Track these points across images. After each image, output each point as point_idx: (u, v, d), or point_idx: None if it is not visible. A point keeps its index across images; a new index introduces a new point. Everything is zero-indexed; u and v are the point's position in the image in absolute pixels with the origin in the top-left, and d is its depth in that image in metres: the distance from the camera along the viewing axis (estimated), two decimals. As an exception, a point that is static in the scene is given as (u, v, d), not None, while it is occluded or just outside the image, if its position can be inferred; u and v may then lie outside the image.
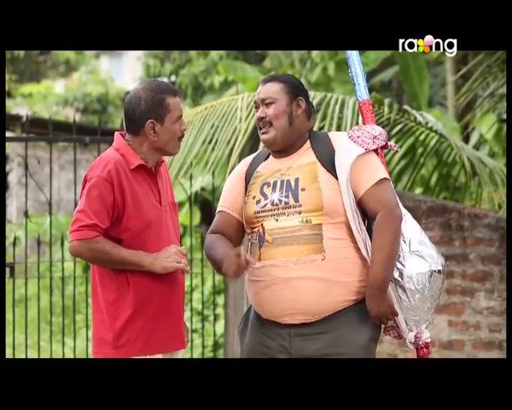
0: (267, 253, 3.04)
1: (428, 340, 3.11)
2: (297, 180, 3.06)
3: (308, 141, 3.15)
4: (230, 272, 2.96)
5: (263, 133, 3.13)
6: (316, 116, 5.45)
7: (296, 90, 3.14)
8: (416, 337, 3.08)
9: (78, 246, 2.93)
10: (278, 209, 3.04)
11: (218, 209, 3.24)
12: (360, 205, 3.06)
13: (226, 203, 3.21)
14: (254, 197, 3.11)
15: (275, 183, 3.09)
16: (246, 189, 3.18)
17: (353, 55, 3.24)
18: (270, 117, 3.11)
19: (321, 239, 3.00)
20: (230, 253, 2.98)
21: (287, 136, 3.11)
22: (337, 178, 3.04)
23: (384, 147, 3.18)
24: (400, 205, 3.12)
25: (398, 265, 3.04)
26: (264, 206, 3.07)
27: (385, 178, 3.08)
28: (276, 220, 3.04)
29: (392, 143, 3.24)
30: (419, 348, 3.11)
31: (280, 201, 3.04)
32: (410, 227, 3.11)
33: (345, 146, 3.08)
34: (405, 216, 3.12)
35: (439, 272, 3.06)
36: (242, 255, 2.93)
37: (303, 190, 3.04)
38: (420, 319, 3.08)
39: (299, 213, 3.02)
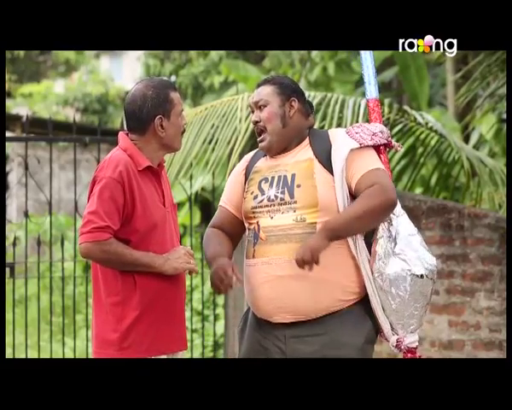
0: (260, 250, 3.05)
1: (414, 345, 3.05)
2: (293, 176, 3.06)
3: (307, 138, 3.15)
4: (217, 289, 3.03)
5: (260, 141, 3.16)
6: (316, 116, 5.48)
7: (288, 90, 3.14)
8: (397, 341, 3.03)
9: (90, 248, 2.93)
10: (274, 205, 3.05)
11: (219, 203, 3.28)
12: (355, 197, 3.05)
13: (226, 199, 3.25)
14: (252, 192, 3.13)
15: (272, 178, 3.11)
16: (245, 184, 3.20)
17: (367, 54, 3.24)
18: (263, 121, 3.12)
19: None
20: (218, 266, 3.02)
21: (281, 138, 3.12)
22: (333, 174, 3.04)
23: (388, 146, 3.17)
24: (401, 208, 3.09)
25: (381, 267, 2.99)
26: (261, 201, 3.09)
27: (381, 168, 3.07)
28: (271, 218, 3.05)
29: (396, 142, 3.21)
30: (403, 352, 3.06)
31: (276, 196, 3.05)
32: (402, 227, 3.05)
33: (341, 141, 3.08)
34: (401, 217, 3.07)
35: (422, 276, 2.98)
36: (229, 273, 2.99)
37: (298, 186, 3.04)
38: (404, 324, 3.02)
39: (294, 211, 3.02)
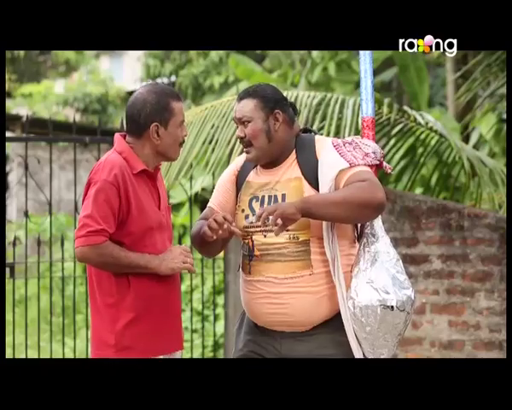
0: (256, 268, 3.05)
1: None
2: (284, 197, 3.03)
3: (294, 151, 3.09)
4: (208, 228, 2.96)
5: (246, 153, 3.11)
6: (316, 116, 5.49)
7: (271, 103, 3.07)
8: None
9: (86, 252, 2.92)
10: (266, 226, 2.98)
11: (208, 204, 3.24)
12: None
13: (215, 201, 3.22)
14: (243, 211, 3.11)
15: (263, 197, 3.08)
16: (236, 192, 3.17)
17: (367, 72, 3.19)
18: (248, 137, 3.06)
19: (308, 255, 3.00)
20: (211, 218, 2.98)
21: (269, 152, 3.07)
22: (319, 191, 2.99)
23: (378, 166, 3.11)
24: (383, 231, 3.03)
25: (353, 293, 2.93)
26: (252, 222, 3.04)
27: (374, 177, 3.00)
28: (265, 236, 3.03)
29: (386, 164, 3.15)
30: None
31: (268, 218, 2.92)
32: (381, 252, 2.96)
33: (329, 158, 3.01)
34: (381, 240, 2.98)
35: (392, 308, 2.88)
36: (228, 219, 2.95)
37: None
38: (374, 352, 2.95)
39: (287, 231, 2.97)
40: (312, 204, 2.91)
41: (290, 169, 3.08)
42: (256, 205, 3.08)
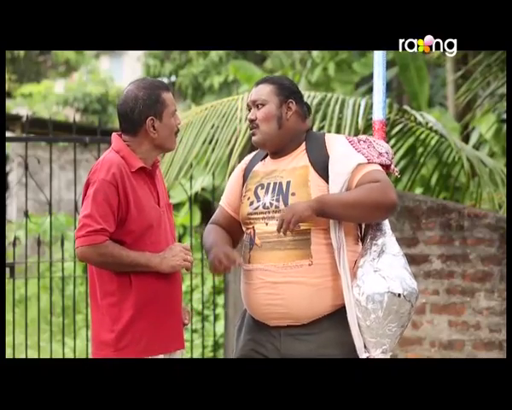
0: (256, 256, 3.06)
1: None
2: (288, 184, 3.05)
3: (304, 143, 3.13)
4: (215, 270, 3.04)
5: (252, 135, 3.14)
6: (316, 116, 5.48)
7: (287, 91, 3.12)
8: None
9: (87, 252, 2.93)
10: (269, 213, 3.03)
11: (220, 203, 3.29)
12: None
13: (225, 199, 3.26)
14: (249, 198, 3.13)
15: (268, 184, 3.10)
16: (243, 186, 3.20)
17: (380, 74, 3.22)
18: (259, 120, 3.10)
19: (309, 244, 3.00)
20: (218, 249, 3.04)
21: (276, 139, 3.11)
22: (328, 182, 3.01)
23: (387, 168, 3.13)
24: (389, 229, 3.05)
25: (359, 281, 2.95)
26: (257, 208, 3.08)
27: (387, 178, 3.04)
28: (266, 224, 3.05)
29: (395, 168, 3.18)
30: None
31: (271, 204, 3.04)
32: (387, 246, 3.01)
33: (345, 151, 3.05)
34: (388, 237, 3.02)
35: (399, 295, 2.92)
36: (230, 256, 3.00)
37: (293, 194, 3.03)
38: (376, 342, 2.95)
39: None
40: (325, 204, 2.95)
41: (298, 158, 3.10)
42: (261, 192, 3.10)
